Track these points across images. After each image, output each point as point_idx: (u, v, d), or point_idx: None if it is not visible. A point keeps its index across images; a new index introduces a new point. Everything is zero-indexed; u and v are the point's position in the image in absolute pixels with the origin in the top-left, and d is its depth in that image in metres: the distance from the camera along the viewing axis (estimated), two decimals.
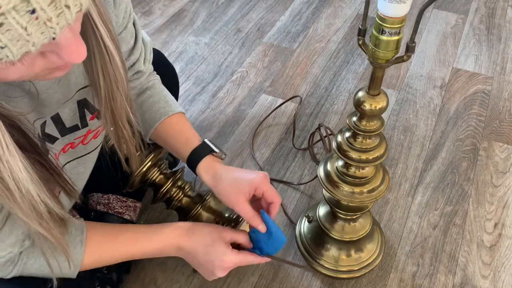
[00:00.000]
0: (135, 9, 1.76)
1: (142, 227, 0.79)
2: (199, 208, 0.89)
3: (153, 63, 0.89)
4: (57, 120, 0.66)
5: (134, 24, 0.78)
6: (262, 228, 0.77)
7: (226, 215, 0.89)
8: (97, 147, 0.76)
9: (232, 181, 0.78)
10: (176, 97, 1.07)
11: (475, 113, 1.37)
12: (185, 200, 0.90)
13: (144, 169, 0.87)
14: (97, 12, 0.51)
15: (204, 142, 0.83)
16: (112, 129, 0.65)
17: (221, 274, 0.78)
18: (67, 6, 0.40)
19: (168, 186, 0.89)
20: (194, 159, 0.81)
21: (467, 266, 1.03)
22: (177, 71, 1.14)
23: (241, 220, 0.87)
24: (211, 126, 1.33)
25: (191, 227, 0.78)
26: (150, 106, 0.86)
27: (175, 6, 1.78)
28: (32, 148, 0.55)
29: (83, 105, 0.69)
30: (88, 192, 0.96)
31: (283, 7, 1.78)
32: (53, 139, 0.66)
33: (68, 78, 0.64)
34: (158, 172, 0.89)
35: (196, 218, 0.89)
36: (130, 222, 0.96)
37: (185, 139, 0.84)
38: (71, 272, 0.70)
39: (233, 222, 0.86)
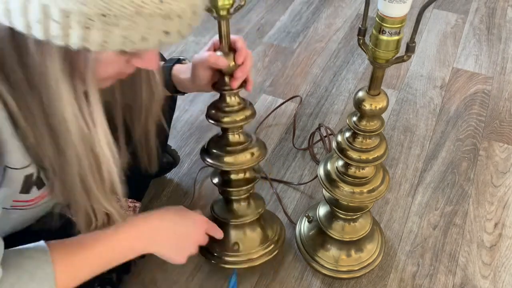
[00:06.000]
0: None
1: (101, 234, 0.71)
2: None
3: None
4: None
5: None
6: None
7: None
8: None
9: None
10: (177, 97, 1.06)
11: (475, 113, 1.37)
12: None
13: None
14: None
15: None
16: None
17: (200, 238, 0.81)
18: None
19: None
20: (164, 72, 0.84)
21: (467, 266, 1.03)
22: None
23: None
24: (211, 126, 1.32)
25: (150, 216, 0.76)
26: None
27: None
28: None
29: None
30: None
31: (283, 7, 1.78)
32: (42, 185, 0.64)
33: None
34: None
35: None
36: None
37: None
38: None
39: None
